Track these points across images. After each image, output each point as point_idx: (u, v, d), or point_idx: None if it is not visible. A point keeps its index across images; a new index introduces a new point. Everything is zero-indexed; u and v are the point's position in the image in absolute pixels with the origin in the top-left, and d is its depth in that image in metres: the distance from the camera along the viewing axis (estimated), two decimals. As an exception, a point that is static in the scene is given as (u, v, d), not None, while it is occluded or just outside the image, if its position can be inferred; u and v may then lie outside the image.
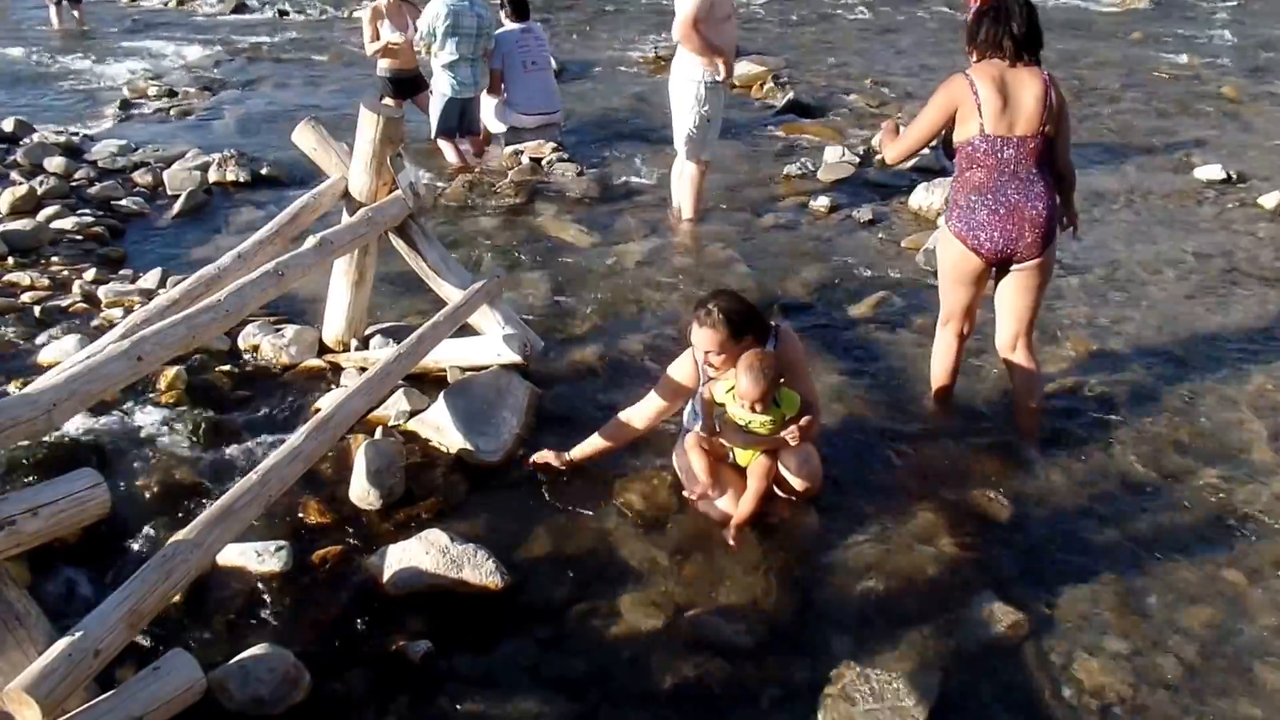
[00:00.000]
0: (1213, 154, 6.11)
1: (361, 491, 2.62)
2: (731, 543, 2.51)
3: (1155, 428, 3.16)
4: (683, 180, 4.86)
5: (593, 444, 2.71)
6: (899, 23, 11.16)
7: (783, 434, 2.49)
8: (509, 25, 5.89)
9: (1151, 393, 3.38)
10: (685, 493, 2.59)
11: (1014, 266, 2.86)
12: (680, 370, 2.62)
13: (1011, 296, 2.93)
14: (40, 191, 4.84)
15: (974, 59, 2.82)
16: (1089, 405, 3.30)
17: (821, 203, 5.16)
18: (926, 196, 5.14)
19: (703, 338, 2.45)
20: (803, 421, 2.50)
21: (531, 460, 2.74)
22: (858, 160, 5.81)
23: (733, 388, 2.50)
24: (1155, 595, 2.43)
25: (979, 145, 2.74)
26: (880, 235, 4.83)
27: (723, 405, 2.56)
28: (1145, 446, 3.06)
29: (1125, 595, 2.42)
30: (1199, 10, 12.02)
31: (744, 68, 7.96)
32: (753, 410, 2.47)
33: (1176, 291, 4.22)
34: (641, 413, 2.67)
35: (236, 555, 2.35)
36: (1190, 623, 2.35)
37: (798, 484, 2.59)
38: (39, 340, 3.38)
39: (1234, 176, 5.67)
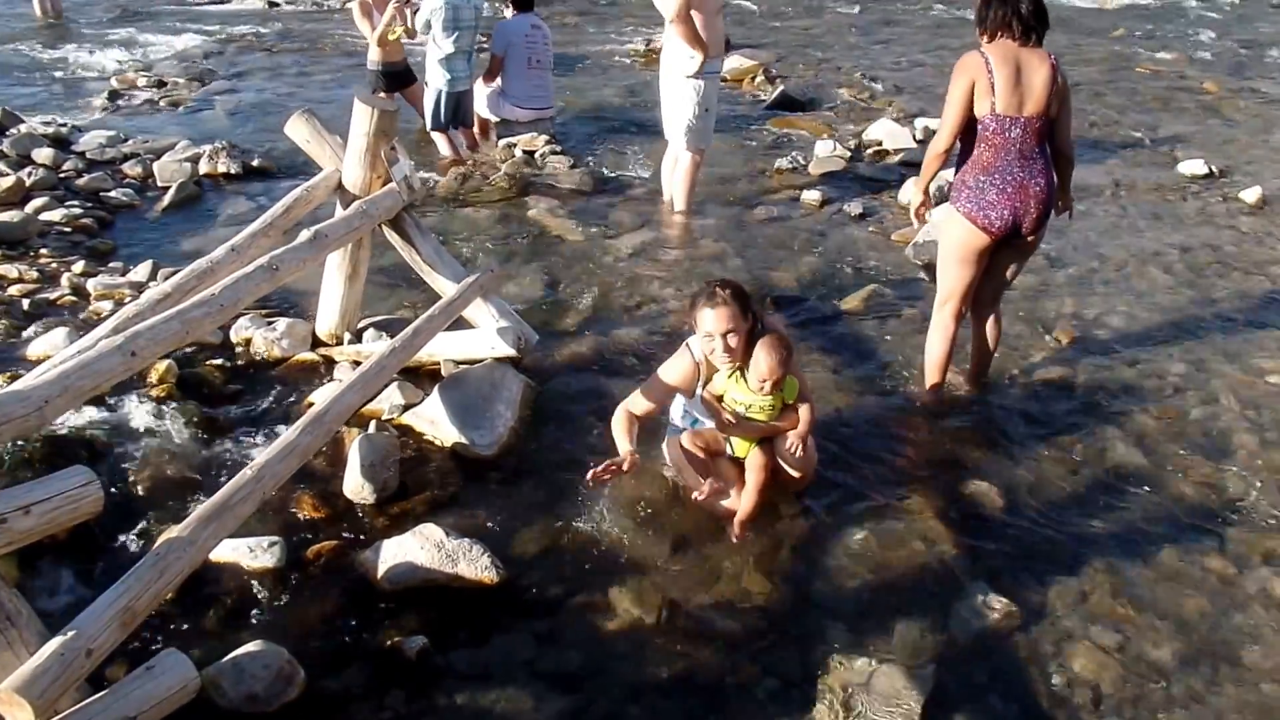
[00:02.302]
0: (1195, 149, 6.18)
1: (356, 486, 2.61)
2: (736, 540, 2.52)
3: (1142, 418, 3.20)
4: (676, 173, 4.86)
5: (624, 437, 2.50)
6: (888, 18, 11.18)
7: (786, 447, 2.53)
8: (513, 15, 5.86)
9: (1138, 384, 3.42)
10: (693, 495, 2.59)
11: (1015, 241, 2.95)
12: (676, 368, 2.57)
13: (999, 266, 3.07)
14: (28, 183, 4.78)
15: (985, 41, 2.89)
16: (1077, 397, 3.34)
17: (812, 196, 5.18)
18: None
19: (718, 318, 2.41)
20: (801, 427, 2.53)
21: (599, 474, 2.39)
22: (848, 154, 5.84)
23: (732, 375, 2.52)
24: (1145, 584, 2.47)
25: (989, 124, 2.82)
26: (870, 228, 4.85)
27: (721, 395, 2.57)
28: (1133, 437, 3.10)
29: (1115, 585, 2.45)
30: (1180, 7, 12.11)
31: (735, 62, 7.95)
32: (765, 391, 2.48)
33: (1161, 284, 4.27)
34: (636, 405, 2.61)
35: (229, 551, 2.33)
36: (1180, 611, 2.39)
37: (794, 473, 2.62)
38: (27, 333, 3.35)
39: (1216, 171, 5.74)
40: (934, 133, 3.02)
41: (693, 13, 4.23)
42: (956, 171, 2.97)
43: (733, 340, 2.44)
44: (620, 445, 2.51)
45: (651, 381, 2.61)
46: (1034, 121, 2.81)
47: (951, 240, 2.99)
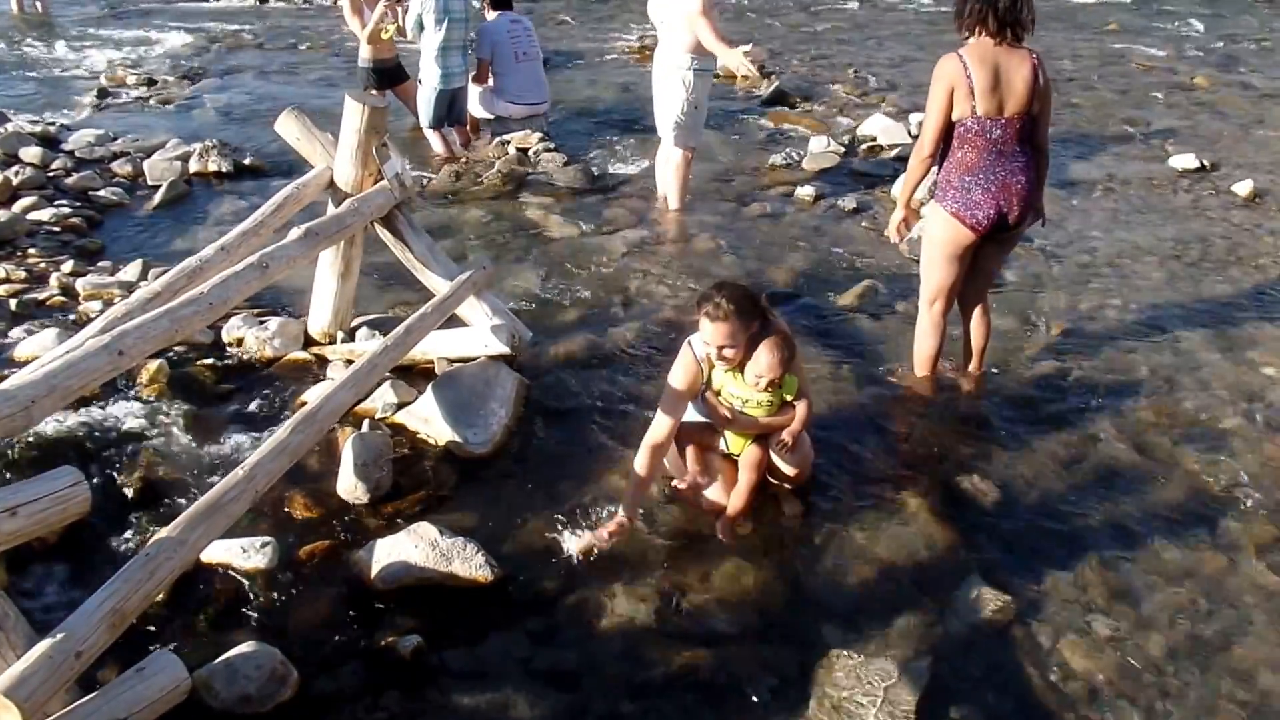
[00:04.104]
0: (1187, 143, 6.20)
1: (349, 485, 2.59)
2: (722, 537, 2.51)
3: (1136, 411, 3.21)
4: (668, 169, 4.85)
5: (636, 488, 2.48)
6: (881, 14, 11.19)
7: (782, 434, 2.52)
8: (493, 15, 5.86)
9: (1132, 377, 3.43)
10: (675, 483, 2.59)
11: (999, 236, 2.99)
12: (682, 372, 2.53)
13: (985, 260, 3.12)
14: (15, 182, 4.74)
15: (963, 35, 2.89)
16: (1071, 390, 3.34)
17: (806, 192, 5.17)
18: (911, 186, 5.16)
19: (717, 333, 2.40)
20: (794, 424, 2.52)
21: (602, 539, 2.38)
22: (842, 150, 5.83)
23: (730, 370, 2.50)
24: (1138, 577, 2.47)
25: (971, 126, 2.83)
26: (864, 224, 4.85)
27: (719, 390, 2.56)
28: (1127, 430, 3.10)
29: (1109, 577, 2.46)
30: (1173, 2, 12.15)
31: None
32: (766, 388, 2.47)
33: (1155, 278, 4.28)
34: (659, 431, 2.49)
35: (222, 552, 2.32)
36: (1173, 604, 2.39)
37: (789, 470, 2.61)
38: (15, 334, 3.32)
39: (1207, 165, 5.76)
40: None
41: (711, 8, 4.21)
42: (939, 171, 2.98)
43: (729, 353, 2.43)
44: (624, 504, 2.45)
45: (665, 397, 2.55)
46: (1015, 122, 2.83)
47: (939, 238, 3.02)
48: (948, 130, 2.90)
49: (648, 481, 2.50)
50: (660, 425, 2.51)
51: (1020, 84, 2.80)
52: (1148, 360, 3.55)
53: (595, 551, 2.39)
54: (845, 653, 2.15)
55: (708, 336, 2.42)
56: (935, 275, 3.09)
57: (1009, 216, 2.92)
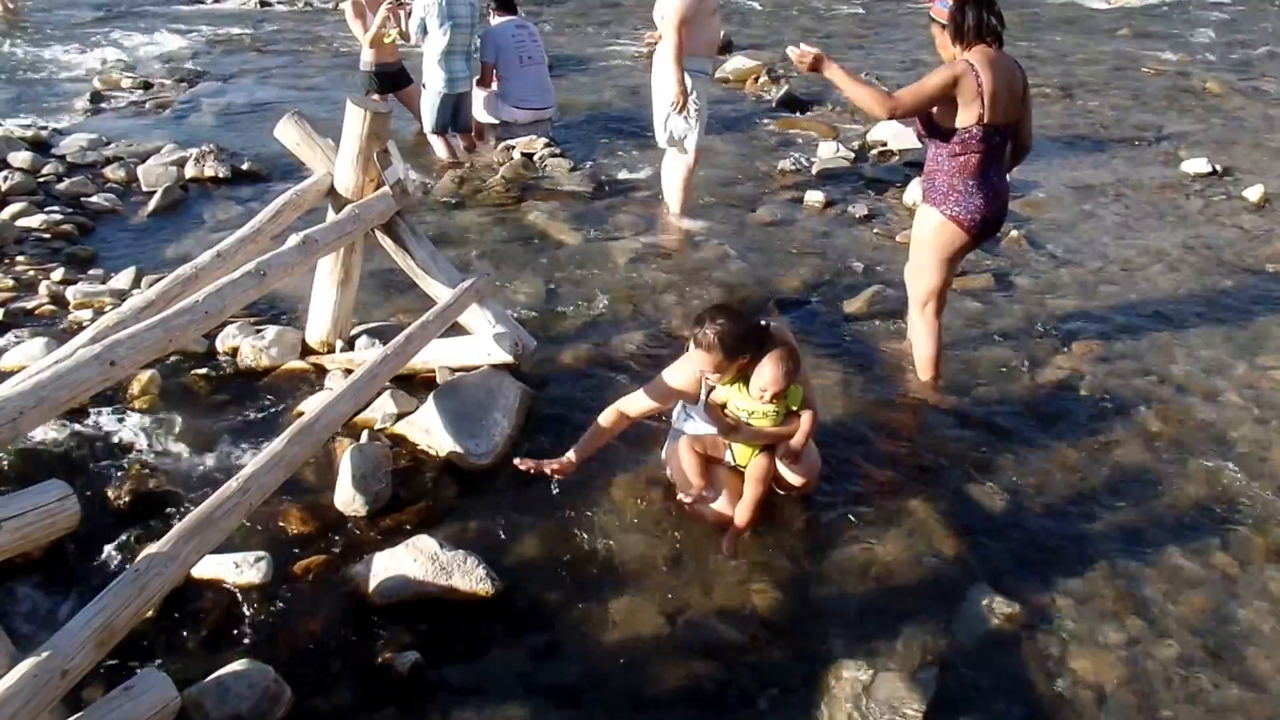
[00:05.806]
0: (1198, 148, 6.18)
1: (347, 498, 2.54)
2: (727, 551, 2.47)
3: (1146, 418, 3.17)
4: (671, 175, 4.81)
5: (591, 438, 2.51)
6: (891, 19, 11.17)
7: (791, 442, 2.48)
8: (499, 19, 5.83)
9: (1142, 383, 3.39)
10: (680, 495, 2.54)
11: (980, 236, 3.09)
12: (681, 374, 2.51)
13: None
14: (4, 187, 4.68)
15: (959, 49, 2.87)
16: (1080, 396, 3.30)
17: (816, 197, 5.13)
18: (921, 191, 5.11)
19: (699, 359, 2.39)
20: (798, 436, 2.48)
21: (527, 467, 2.40)
22: (852, 155, 5.80)
23: (732, 383, 2.46)
24: (1149, 584, 2.44)
25: (976, 133, 2.87)
26: (875, 230, 4.80)
27: (724, 403, 2.51)
28: (1137, 437, 3.06)
29: (1120, 585, 2.42)
30: (1185, 7, 12.13)
31: (738, 62, 7.94)
32: (770, 400, 2.43)
33: (1165, 283, 4.24)
34: (634, 407, 2.53)
35: (214, 566, 2.27)
36: (1184, 611, 2.36)
37: (795, 480, 2.57)
38: (2, 343, 3.26)
39: (1219, 170, 5.74)
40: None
41: (685, 23, 4.20)
42: (925, 174, 3.01)
43: (711, 379, 2.43)
44: (575, 448, 2.46)
45: (655, 383, 2.54)
46: (1010, 127, 2.93)
47: (939, 242, 3.06)
48: (935, 129, 2.91)
49: (603, 437, 2.53)
50: (637, 402, 2.53)
51: (1018, 89, 2.89)
52: (1158, 366, 3.51)
53: (534, 472, 2.39)
54: (852, 663, 2.11)
55: (693, 359, 2.42)
56: (930, 278, 3.13)
57: (1000, 220, 3.04)
